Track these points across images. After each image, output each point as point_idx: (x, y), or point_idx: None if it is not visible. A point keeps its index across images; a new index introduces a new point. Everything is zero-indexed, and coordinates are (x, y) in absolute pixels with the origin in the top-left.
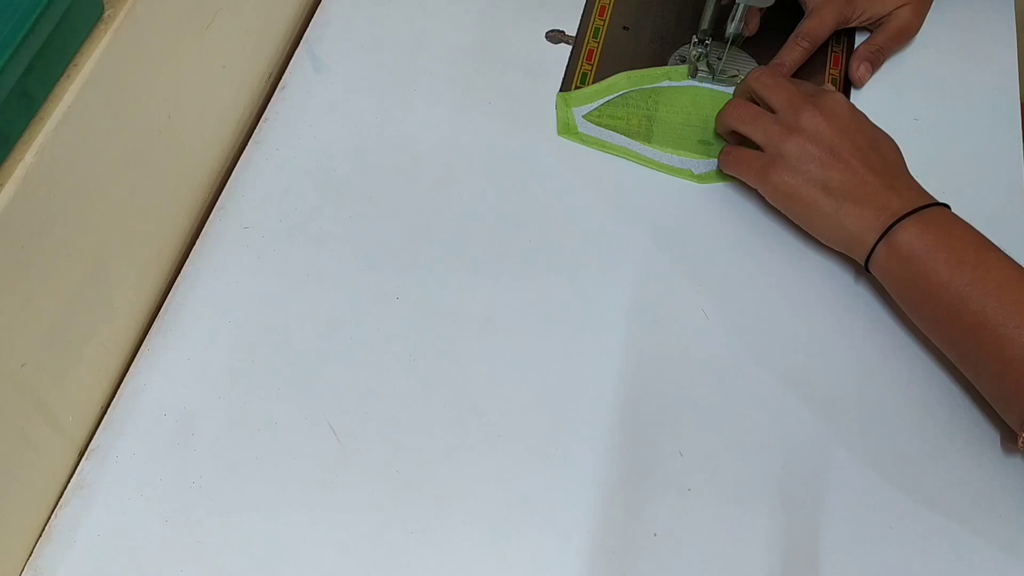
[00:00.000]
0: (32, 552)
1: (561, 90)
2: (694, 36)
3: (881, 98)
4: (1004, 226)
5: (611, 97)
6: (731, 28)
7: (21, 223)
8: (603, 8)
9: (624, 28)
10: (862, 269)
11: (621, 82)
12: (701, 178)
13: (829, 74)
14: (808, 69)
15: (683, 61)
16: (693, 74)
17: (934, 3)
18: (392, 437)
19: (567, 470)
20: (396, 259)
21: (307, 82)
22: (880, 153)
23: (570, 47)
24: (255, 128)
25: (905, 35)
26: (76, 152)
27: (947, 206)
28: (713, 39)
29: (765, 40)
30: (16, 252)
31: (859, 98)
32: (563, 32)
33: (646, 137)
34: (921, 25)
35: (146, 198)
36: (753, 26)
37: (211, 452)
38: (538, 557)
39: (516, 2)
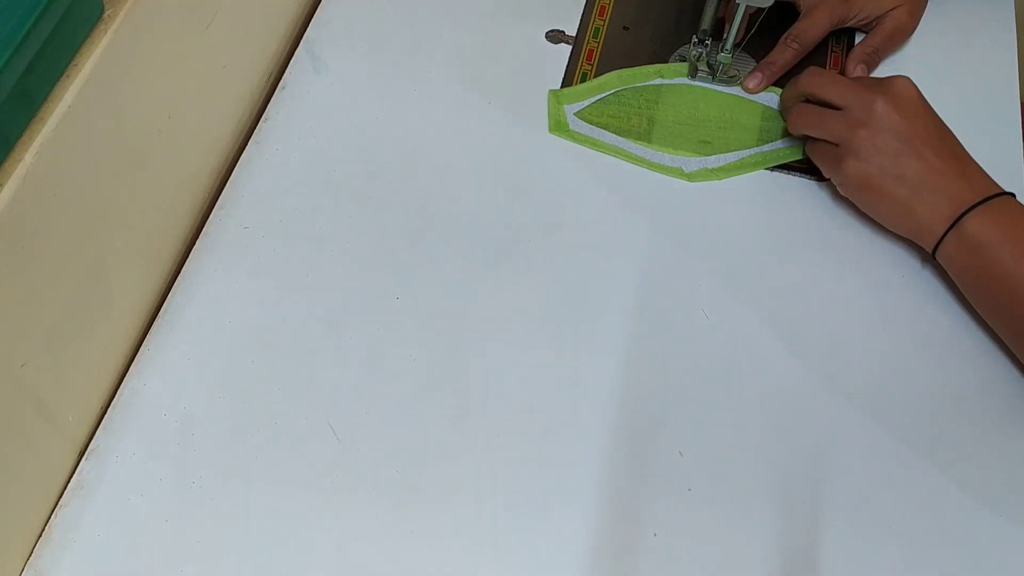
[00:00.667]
0: (32, 552)
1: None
2: (694, 36)
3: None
4: None
5: (603, 95)
6: (731, 33)
7: (21, 223)
8: (603, 8)
9: (624, 28)
10: (929, 256)
11: (613, 80)
12: (691, 176)
13: None
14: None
15: (683, 61)
16: (693, 74)
17: (933, 4)
18: (392, 437)
19: (567, 470)
20: (396, 259)
21: (307, 82)
22: (949, 138)
23: (570, 47)
24: (255, 128)
25: (900, 36)
26: (76, 152)
27: (1013, 195)
28: (713, 39)
29: (764, 40)
30: (16, 252)
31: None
32: (563, 32)
33: (643, 136)
34: (916, 26)
35: (146, 198)
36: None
37: (211, 452)
38: (538, 557)
39: (516, 2)
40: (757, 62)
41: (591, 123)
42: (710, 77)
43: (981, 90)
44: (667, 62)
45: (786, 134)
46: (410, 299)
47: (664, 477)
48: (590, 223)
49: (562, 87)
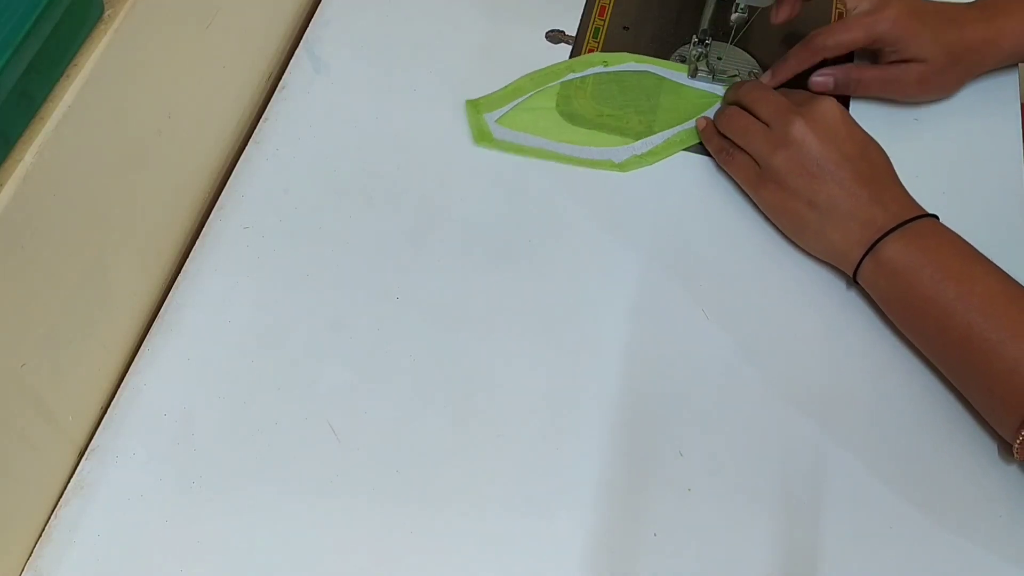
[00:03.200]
0: (32, 552)
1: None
2: (694, 36)
3: (881, 98)
4: (1004, 226)
5: (520, 99)
6: (733, 18)
7: (21, 223)
8: (603, 8)
9: (624, 28)
10: (851, 280)
11: (525, 84)
12: (623, 166)
13: None
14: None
15: (683, 61)
16: (693, 74)
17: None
18: (392, 437)
19: (567, 470)
20: (396, 259)
21: (307, 82)
22: (869, 161)
23: (570, 47)
24: (255, 128)
25: (898, 89)
26: (76, 152)
27: (935, 217)
28: (713, 39)
29: (766, 40)
30: (16, 252)
31: (859, 101)
32: (563, 32)
33: (559, 134)
34: (923, 95)
35: (146, 198)
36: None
37: (211, 452)
38: (538, 557)
39: (516, 2)
40: (757, 62)
41: (514, 128)
42: (709, 77)
43: (981, 90)
44: (667, 62)
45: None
46: (410, 299)
47: (664, 477)
48: (590, 223)
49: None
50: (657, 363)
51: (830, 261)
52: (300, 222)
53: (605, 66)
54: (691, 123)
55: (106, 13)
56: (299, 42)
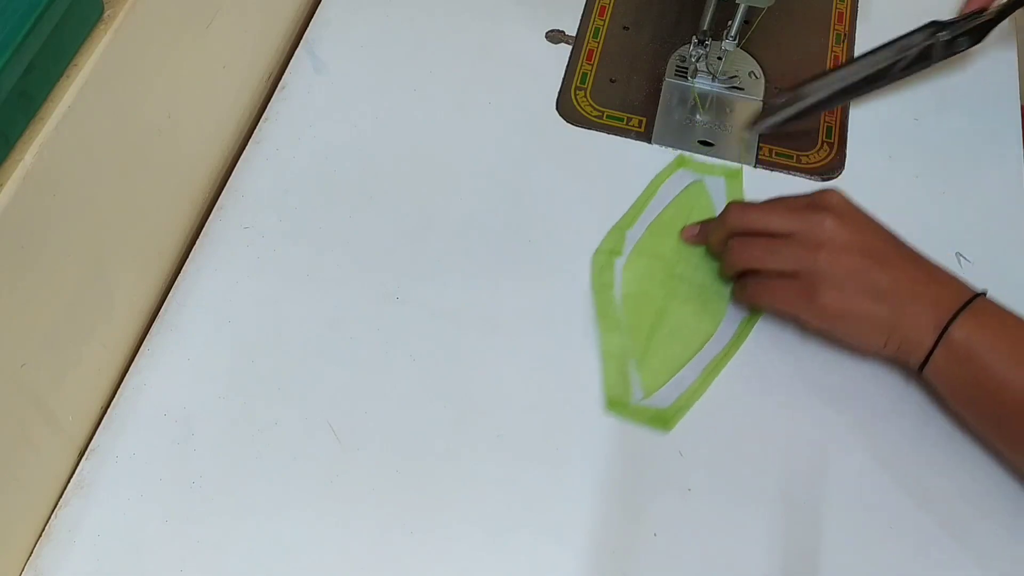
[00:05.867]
0: (32, 552)
1: (560, 91)
2: (694, 36)
3: (881, 98)
4: (1004, 226)
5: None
6: (733, 30)
7: (21, 223)
8: (603, 8)
9: (624, 28)
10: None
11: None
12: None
13: None
14: (807, 69)
15: (683, 61)
16: (693, 74)
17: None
18: (392, 437)
19: (567, 470)
20: (396, 259)
21: (307, 82)
22: (901, 243)
23: (570, 47)
24: (255, 128)
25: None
26: (76, 152)
27: (984, 292)
28: (713, 39)
29: (765, 40)
30: (16, 252)
31: (859, 101)
32: (563, 32)
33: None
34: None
35: (146, 198)
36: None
37: (211, 452)
38: (538, 557)
39: (516, 2)
40: (757, 62)
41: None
42: (709, 78)
43: (981, 90)
44: (667, 62)
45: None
46: (410, 299)
47: (664, 477)
48: (590, 222)
49: (562, 87)
50: None
51: (894, 357)
52: (300, 222)
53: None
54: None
55: (106, 13)
56: (299, 42)
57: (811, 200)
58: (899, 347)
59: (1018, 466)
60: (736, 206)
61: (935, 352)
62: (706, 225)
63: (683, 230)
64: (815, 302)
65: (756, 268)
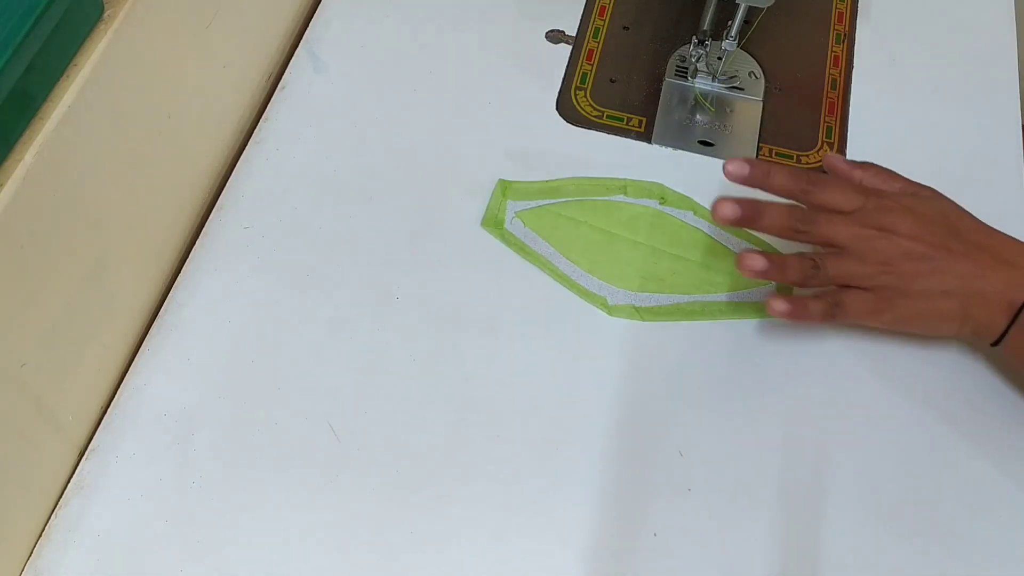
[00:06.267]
0: (32, 552)
1: (560, 91)
2: (694, 36)
3: (881, 98)
4: (1004, 226)
5: (553, 201)
6: (732, 32)
7: (21, 223)
8: (603, 8)
9: (624, 28)
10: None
11: (569, 188)
12: (611, 310)
13: (829, 75)
14: (807, 69)
15: (683, 61)
16: (693, 74)
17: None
18: (392, 437)
19: (567, 470)
20: (396, 259)
21: (307, 82)
22: (964, 223)
23: (570, 47)
24: (255, 128)
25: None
26: (76, 152)
27: None
28: (713, 39)
29: (765, 41)
30: (16, 252)
31: (859, 99)
32: (563, 32)
33: (570, 249)
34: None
35: (146, 198)
36: None
37: (211, 452)
38: (538, 557)
39: (516, 2)
40: (757, 62)
41: (530, 226)
42: (709, 78)
43: (981, 90)
44: (667, 62)
45: (738, 286)
46: (410, 299)
47: (664, 477)
48: None
49: (562, 87)
50: (657, 363)
51: (970, 340)
52: (300, 222)
53: (661, 203)
54: (719, 296)
55: (106, 13)
56: (299, 42)
57: (867, 200)
58: (973, 331)
59: None
60: (808, 179)
61: (1010, 331)
62: (764, 170)
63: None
64: (888, 313)
65: (842, 284)
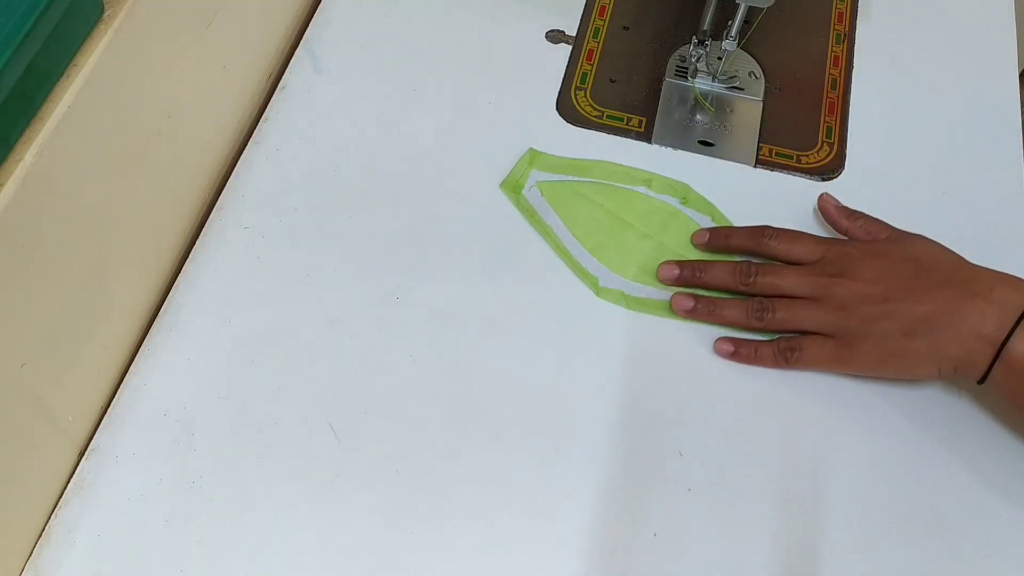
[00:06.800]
0: (32, 552)
1: (560, 91)
2: (694, 36)
3: (881, 98)
4: (1004, 226)
5: (576, 179)
6: (732, 32)
7: (21, 223)
8: (603, 8)
9: (624, 28)
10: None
11: (595, 169)
12: (601, 292)
13: (829, 74)
14: (807, 69)
15: (683, 61)
16: (693, 75)
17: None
18: (392, 437)
19: (567, 470)
20: (396, 259)
21: (307, 82)
22: (926, 263)
23: (570, 47)
24: (255, 128)
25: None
26: (76, 152)
27: None
28: (713, 39)
29: (765, 41)
30: (16, 252)
31: (859, 99)
32: (563, 32)
33: (580, 227)
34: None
35: (146, 198)
36: None
37: (211, 452)
38: (538, 557)
39: (516, 2)
40: (757, 62)
41: (547, 197)
42: (709, 78)
43: (981, 90)
44: (667, 62)
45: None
46: (410, 299)
47: (664, 477)
48: None
49: (562, 87)
50: (657, 363)
51: (955, 379)
52: (300, 222)
53: (682, 202)
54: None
55: (106, 13)
56: (299, 42)
57: (828, 249)
58: (955, 370)
59: None
60: (764, 233)
61: (993, 370)
62: (723, 233)
63: (695, 235)
64: (852, 360)
65: (790, 329)
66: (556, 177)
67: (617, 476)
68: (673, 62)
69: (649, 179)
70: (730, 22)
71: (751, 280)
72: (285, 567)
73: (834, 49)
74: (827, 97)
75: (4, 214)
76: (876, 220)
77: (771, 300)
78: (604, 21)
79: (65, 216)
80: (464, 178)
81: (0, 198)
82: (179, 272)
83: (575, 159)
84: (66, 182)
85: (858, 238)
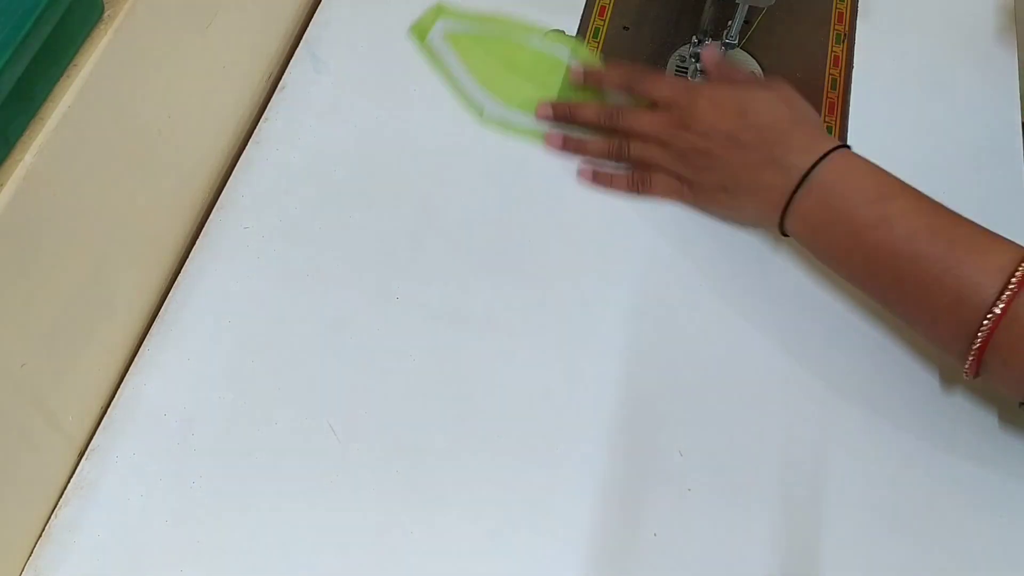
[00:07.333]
0: (32, 552)
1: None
2: (694, 36)
3: (881, 97)
4: (1004, 226)
5: (480, 29)
6: (732, 32)
7: (21, 223)
8: (603, 8)
9: (624, 28)
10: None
11: (498, 23)
12: (485, 120)
13: (829, 75)
14: (807, 69)
15: (683, 61)
16: (693, 75)
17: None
18: (392, 437)
19: (567, 470)
20: (396, 259)
21: (307, 82)
22: (749, 124)
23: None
24: (255, 128)
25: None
26: (76, 152)
27: (846, 146)
28: (713, 39)
29: (764, 40)
30: (16, 252)
31: (859, 99)
32: (563, 32)
33: (483, 72)
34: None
35: (146, 198)
36: None
37: (211, 452)
38: (538, 557)
39: (516, 2)
40: (757, 62)
41: (449, 42)
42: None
43: (981, 90)
44: (667, 62)
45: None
46: (410, 299)
47: (664, 477)
48: (590, 223)
49: (562, 87)
50: (657, 363)
51: (767, 228)
52: (300, 222)
53: (572, 54)
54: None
55: (106, 13)
56: (299, 42)
57: (682, 97)
58: (758, 223)
59: (891, 309)
60: (634, 74)
61: (786, 226)
62: (597, 72)
63: (572, 72)
64: (692, 201)
65: (648, 164)
66: (460, 27)
67: (617, 476)
68: (673, 62)
69: (544, 32)
70: (730, 22)
71: (614, 121)
72: (285, 567)
73: (834, 49)
74: (827, 97)
75: (4, 214)
76: (738, 68)
77: (630, 140)
78: (604, 21)
79: (65, 216)
80: (464, 177)
81: (0, 198)
82: (179, 272)
83: (482, 14)
84: (66, 182)
85: (713, 78)
